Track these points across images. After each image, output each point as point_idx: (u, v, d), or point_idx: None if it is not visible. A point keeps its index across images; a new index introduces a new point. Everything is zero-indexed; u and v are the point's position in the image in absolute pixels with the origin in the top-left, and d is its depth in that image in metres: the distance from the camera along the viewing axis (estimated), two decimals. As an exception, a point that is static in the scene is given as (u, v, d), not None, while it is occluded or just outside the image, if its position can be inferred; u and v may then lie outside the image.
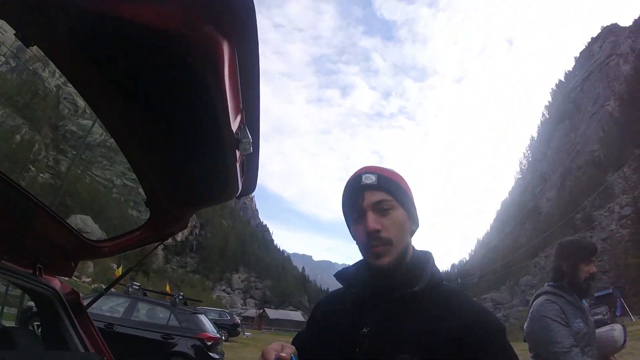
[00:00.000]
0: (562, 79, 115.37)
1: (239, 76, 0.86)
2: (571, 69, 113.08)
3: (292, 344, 1.00)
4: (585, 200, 55.50)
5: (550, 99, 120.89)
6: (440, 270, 1.02)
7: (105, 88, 0.92)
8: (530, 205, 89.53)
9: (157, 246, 1.99)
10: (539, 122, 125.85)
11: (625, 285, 35.51)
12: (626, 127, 60.81)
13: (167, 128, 1.06)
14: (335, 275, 1.09)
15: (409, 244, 1.00)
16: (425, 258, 1.01)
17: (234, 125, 0.95)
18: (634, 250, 38.27)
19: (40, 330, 2.10)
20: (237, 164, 1.14)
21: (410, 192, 1.03)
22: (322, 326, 1.06)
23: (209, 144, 1.06)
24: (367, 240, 0.95)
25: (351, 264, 1.13)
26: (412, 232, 1.03)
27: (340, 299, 1.08)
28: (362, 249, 0.99)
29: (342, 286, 1.09)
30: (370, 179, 0.97)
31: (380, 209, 0.95)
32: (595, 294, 33.93)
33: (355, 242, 1.03)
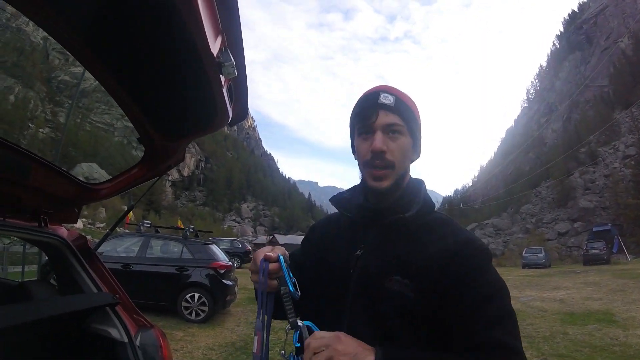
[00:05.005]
0: (575, 10, 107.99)
1: None
2: (585, 0, 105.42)
3: None
4: (591, 135, 55.11)
5: (561, 29, 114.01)
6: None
7: (76, 27, 0.90)
8: (535, 134, 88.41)
9: (156, 181, 1.99)
10: (549, 52, 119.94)
11: (623, 224, 36.15)
12: (638, 66, 58.54)
13: (144, 59, 1.02)
14: (330, 200, 1.10)
15: (407, 172, 1.01)
16: (418, 185, 1.03)
17: (214, 48, 0.90)
18: (635, 191, 38.56)
19: (56, 279, 2.18)
20: (224, 90, 1.11)
21: (420, 121, 1.01)
22: (318, 247, 1.09)
23: (190, 70, 1.02)
24: (371, 158, 0.94)
25: None
26: (412, 161, 1.03)
27: (336, 223, 1.11)
28: (362, 167, 0.99)
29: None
30: (388, 99, 0.94)
31: (390, 132, 0.94)
32: (594, 229, 34.77)
33: (355, 157, 1.02)
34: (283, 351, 0.86)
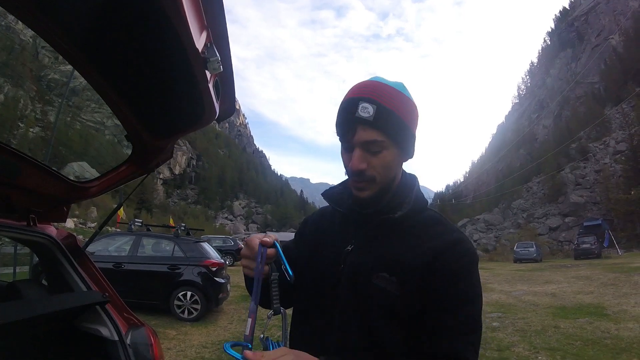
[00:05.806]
0: (567, 7, 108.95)
1: None
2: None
3: None
4: (582, 131, 55.96)
5: (552, 26, 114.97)
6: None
7: (63, 25, 0.90)
8: (526, 130, 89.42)
9: (144, 179, 1.96)
10: (540, 49, 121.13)
11: (614, 219, 36.65)
12: (628, 63, 59.53)
13: (130, 56, 1.01)
14: (322, 194, 1.08)
15: (395, 176, 0.96)
16: (411, 183, 1.00)
17: (199, 44, 0.89)
18: (625, 186, 39.19)
19: (45, 278, 2.16)
20: (210, 86, 1.09)
21: (414, 120, 0.92)
22: (310, 241, 1.08)
23: (174, 67, 1.01)
24: (350, 174, 0.92)
25: None
26: (402, 163, 0.98)
27: (329, 217, 1.10)
28: (346, 175, 0.97)
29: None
30: (367, 111, 0.84)
31: (370, 149, 0.88)
32: (585, 224, 35.25)
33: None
34: (262, 335, 0.85)
